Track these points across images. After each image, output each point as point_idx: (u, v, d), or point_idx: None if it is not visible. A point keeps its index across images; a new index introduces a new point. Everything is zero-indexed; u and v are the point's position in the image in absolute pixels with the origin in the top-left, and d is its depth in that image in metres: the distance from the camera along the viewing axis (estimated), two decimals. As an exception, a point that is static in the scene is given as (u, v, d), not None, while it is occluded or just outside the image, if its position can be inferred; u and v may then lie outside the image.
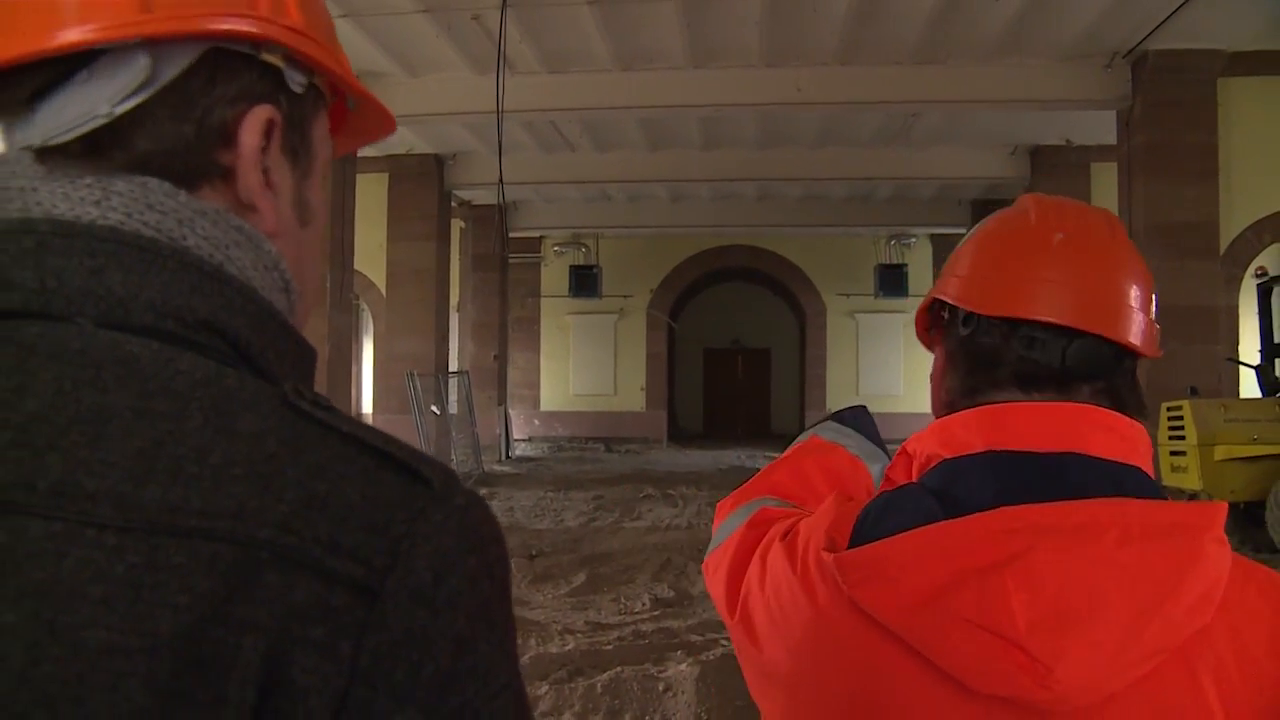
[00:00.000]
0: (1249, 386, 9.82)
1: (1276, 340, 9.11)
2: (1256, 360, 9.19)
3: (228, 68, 0.66)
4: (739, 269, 21.65)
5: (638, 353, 21.15)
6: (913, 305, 19.75)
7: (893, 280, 19.72)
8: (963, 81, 9.98)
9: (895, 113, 11.40)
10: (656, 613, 6.67)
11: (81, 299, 0.59)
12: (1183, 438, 8.30)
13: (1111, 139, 10.38)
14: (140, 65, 0.62)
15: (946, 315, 1.07)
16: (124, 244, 0.60)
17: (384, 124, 0.83)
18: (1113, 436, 0.94)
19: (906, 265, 19.79)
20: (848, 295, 20.75)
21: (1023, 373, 0.98)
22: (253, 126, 0.67)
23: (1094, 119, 10.90)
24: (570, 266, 20.43)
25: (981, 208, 16.14)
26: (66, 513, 0.52)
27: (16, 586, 0.51)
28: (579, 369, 21.10)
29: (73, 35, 0.61)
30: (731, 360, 24.46)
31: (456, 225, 16.20)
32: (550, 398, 21.04)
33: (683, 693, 5.01)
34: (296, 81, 0.70)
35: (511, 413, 18.56)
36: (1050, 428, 0.94)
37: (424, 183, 13.65)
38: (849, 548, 0.91)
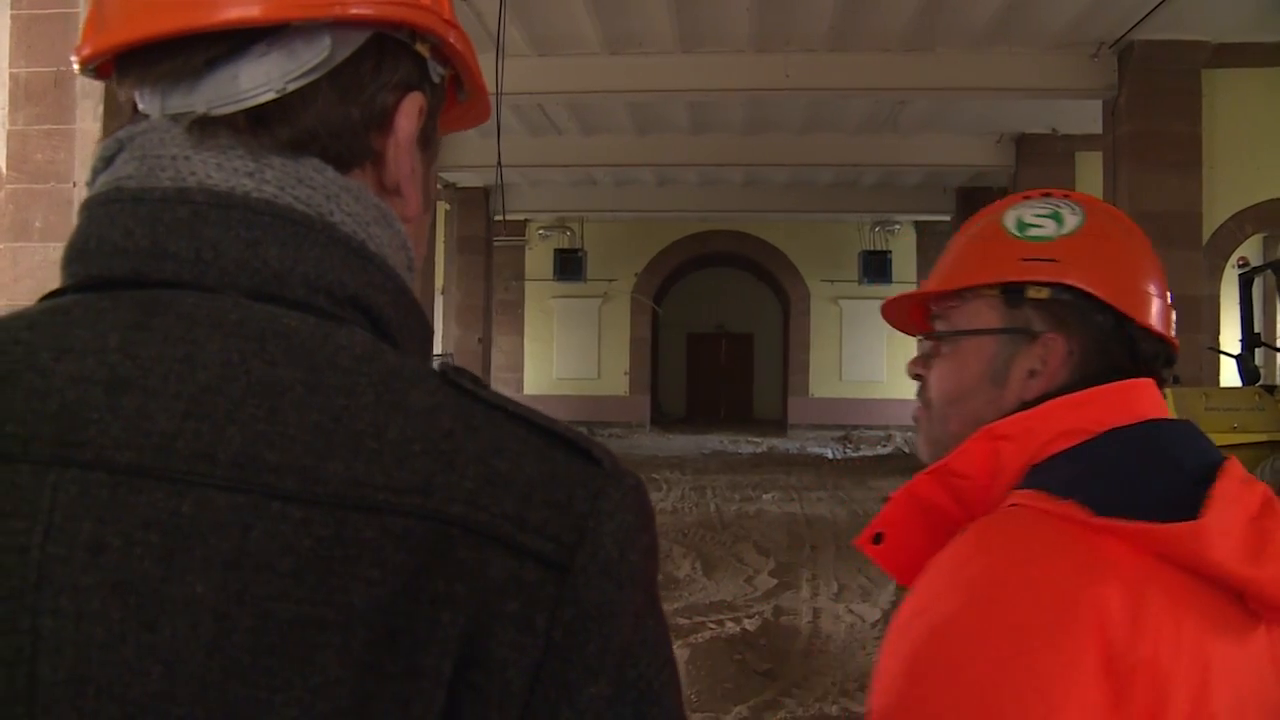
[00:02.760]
0: (1230, 375, 9.90)
1: (1257, 330, 9.18)
2: (1237, 349, 9.27)
3: (392, 55, 0.66)
4: (724, 254, 21.63)
5: (621, 337, 21.12)
6: (897, 291, 19.69)
7: (877, 267, 19.75)
8: (950, 69, 9.98)
9: (883, 99, 11.39)
10: (643, 596, 6.70)
11: (236, 271, 0.59)
12: (1164, 426, 8.35)
13: (1097, 128, 10.42)
14: (324, 45, 0.62)
15: (1047, 307, 1.07)
16: (279, 217, 0.60)
17: (482, 113, 0.83)
18: None
19: (891, 252, 19.83)
20: (832, 281, 20.76)
21: (1136, 371, 1.06)
22: (409, 113, 0.68)
23: (1080, 108, 10.91)
24: (555, 250, 20.37)
25: (966, 195, 16.15)
26: (250, 485, 0.52)
27: (204, 558, 0.51)
28: (563, 352, 21.06)
29: (265, 10, 0.61)
30: (715, 345, 24.45)
31: (441, 208, 16.13)
32: (534, 381, 21.00)
33: (671, 675, 5.04)
34: (437, 72, 0.70)
35: (495, 396, 18.50)
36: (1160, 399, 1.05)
37: (410, 165, 13.58)
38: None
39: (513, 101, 10.63)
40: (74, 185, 4.60)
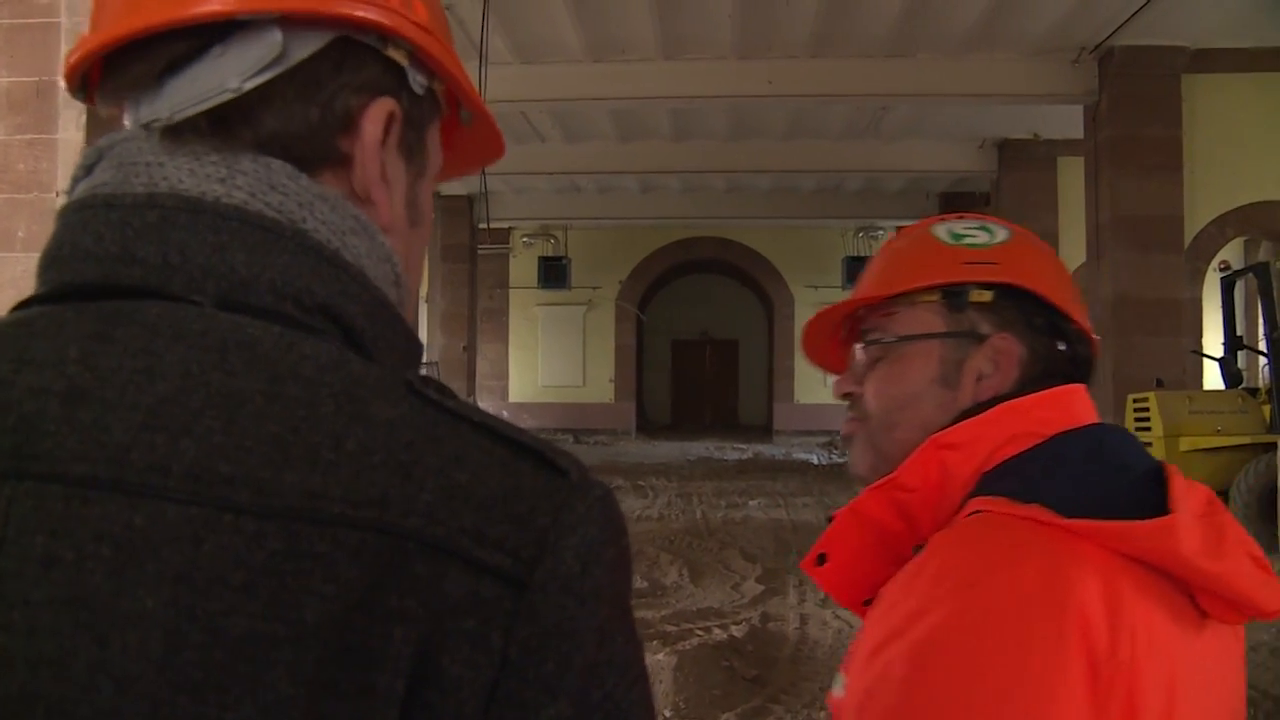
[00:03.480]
0: (1213, 378, 9.97)
1: (1239, 333, 9.26)
2: (1220, 352, 9.34)
3: (355, 57, 0.65)
4: (708, 260, 21.67)
5: (606, 344, 21.14)
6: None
7: (860, 272, 19.76)
8: (932, 75, 10.04)
9: (865, 105, 11.46)
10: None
11: (203, 277, 0.58)
12: (1149, 429, 8.41)
13: (1078, 133, 10.49)
14: (273, 41, 0.62)
15: (990, 310, 1.08)
16: (248, 223, 0.60)
17: (494, 147, 0.81)
18: None
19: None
20: (815, 287, 20.79)
21: (1072, 374, 1.07)
22: (375, 117, 0.66)
23: (1061, 113, 10.99)
24: (539, 257, 20.38)
25: (949, 200, 16.25)
26: (203, 498, 0.51)
27: (155, 572, 0.50)
28: (547, 360, 21.05)
29: (213, 5, 0.61)
30: (699, 351, 24.49)
31: (425, 216, 16.09)
32: (519, 389, 20.99)
33: (660, 681, 5.04)
34: (418, 82, 0.69)
35: (480, 404, 18.50)
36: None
37: (393, 173, 13.52)
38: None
39: (496, 109, 10.53)
40: (57, 195, 4.58)
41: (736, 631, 6.13)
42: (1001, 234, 1.12)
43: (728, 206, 17.62)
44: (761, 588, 7.29)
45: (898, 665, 0.85)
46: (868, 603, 1.03)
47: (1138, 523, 0.86)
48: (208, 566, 0.50)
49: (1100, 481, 0.94)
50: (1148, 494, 0.91)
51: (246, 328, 0.57)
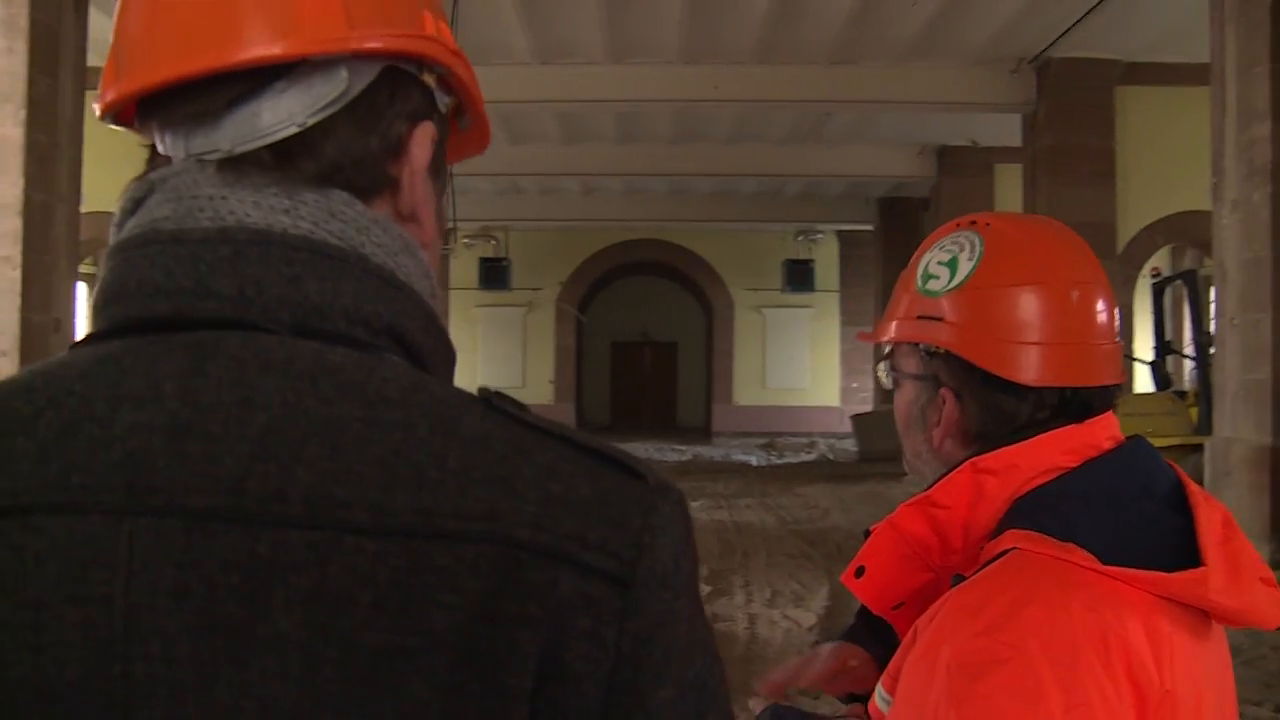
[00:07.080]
0: (1144, 382, 10.23)
1: (1168, 338, 9.53)
2: (1150, 356, 9.58)
3: (403, 85, 0.67)
4: (649, 263, 21.73)
5: (546, 345, 21.11)
6: (820, 300, 20.11)
7: (800, 275, 20.03)
8: (875, 82, 10.20)
9: (809, 111, 11.58)
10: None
11: (278, 307, 0.60)
12: (1083, 431, 8.60)
13: (1015, 141, 10.72)
14: (340, 78, 0.63)
15: (946, 361, 1.09)
16: (316, 252, 0.61)
17: (481, 143, 0.84)
18: None
19: (813, 260, 20.11)
20: (755, 290, 20.97)
21: (1064, 416, 1.06)
22: (422, 141, 0.68)
23: (999, 121, 11.21)
24: (480, 259, 20.29)
25: (888, 205, 16.49)
26: (323, 522, 0.54)
27: (285, 596, 0.53)
28: (487, 362, 20.93)
29: (285, 47, 0.62)
30: (639, 353, 24.49)
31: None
32: (458, 390, 20.84)
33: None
34: (444, 102, 0.71)
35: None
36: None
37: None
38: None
39: (442, 110, 10.56)
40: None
41: (687, 632, 6.16)
42: (965, 269, 1.09)
43: (669, 209, 17.69)
44: (709, 589, 7.33)
45: (943, 696, 0.90)
46: (897, 608, 1.08)
47: (1174, 575, 0.92)
48: (336, 587, 0.53)
49: (1130, 517, 0.98)
50: (1173, 523, 0.97)
51: (326, 354, 0.59)
